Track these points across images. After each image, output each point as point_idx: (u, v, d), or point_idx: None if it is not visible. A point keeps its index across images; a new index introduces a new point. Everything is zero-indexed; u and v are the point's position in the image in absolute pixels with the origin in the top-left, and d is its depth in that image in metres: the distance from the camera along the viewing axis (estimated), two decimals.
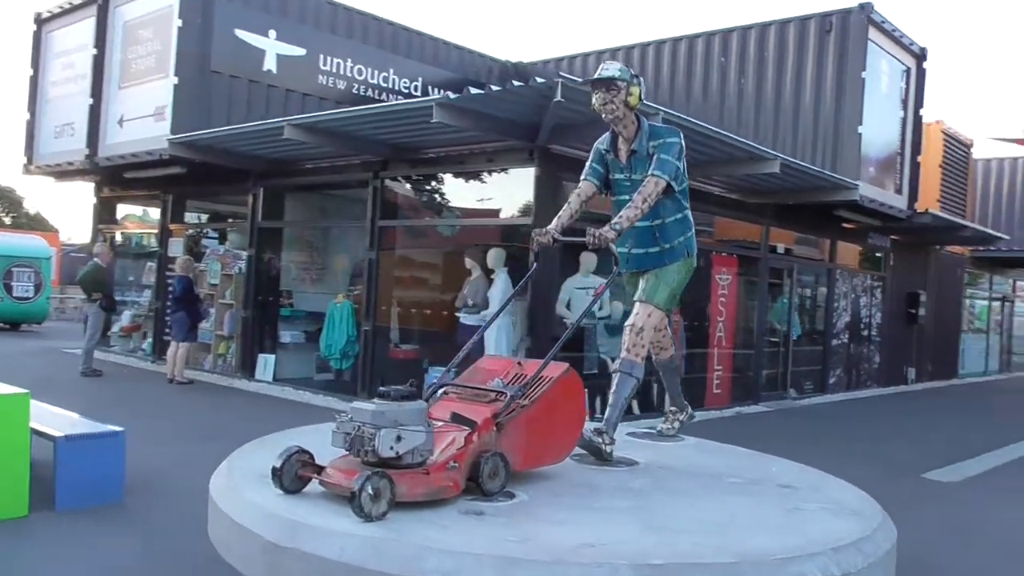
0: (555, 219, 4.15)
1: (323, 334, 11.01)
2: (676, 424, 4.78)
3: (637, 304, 4.21)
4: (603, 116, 4.11)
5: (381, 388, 3.15)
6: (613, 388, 4.11)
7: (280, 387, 11.09)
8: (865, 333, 15.37)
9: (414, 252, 11.33)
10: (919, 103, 13.36)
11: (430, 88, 13.63)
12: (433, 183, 10.15)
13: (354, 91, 12.63)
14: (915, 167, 13.36)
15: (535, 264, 4.19)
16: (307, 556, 2.57)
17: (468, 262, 9.72)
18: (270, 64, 11.57)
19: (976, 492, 7.09)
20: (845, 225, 13.64)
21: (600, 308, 9.87)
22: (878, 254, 15.71)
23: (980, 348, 20.92)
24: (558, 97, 6.78)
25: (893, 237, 15.39)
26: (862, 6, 11.63)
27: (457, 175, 9.87)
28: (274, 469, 3.02)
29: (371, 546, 2.54)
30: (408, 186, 10.36)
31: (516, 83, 7.27)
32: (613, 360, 9.69)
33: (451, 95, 7.45)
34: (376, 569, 2.48)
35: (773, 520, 3.05)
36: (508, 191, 9.21)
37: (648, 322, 4.14)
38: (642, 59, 13.80)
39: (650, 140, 4.09)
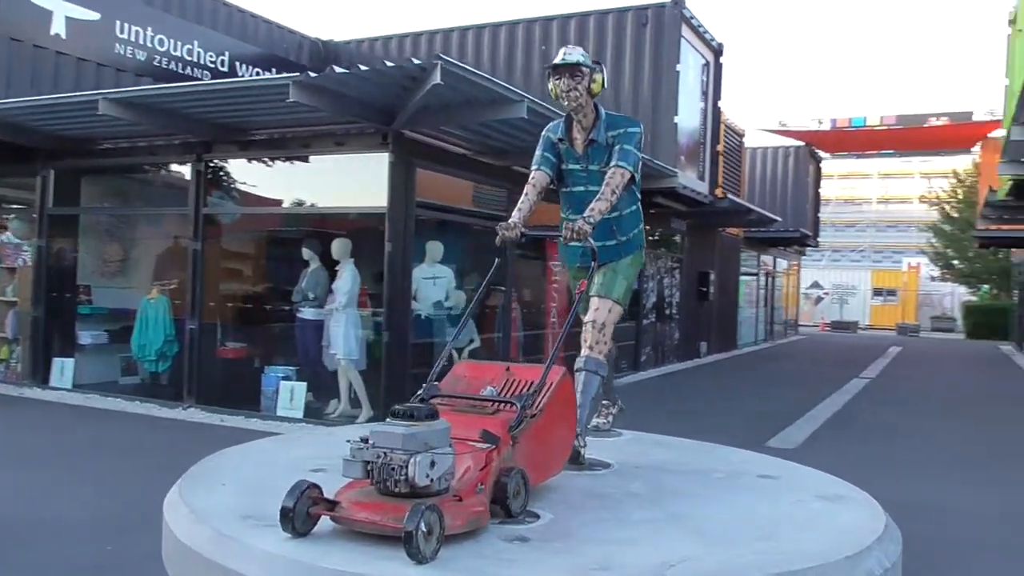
0: (515, 212, 3.91)
1: (135, 333, 9.89)
2: (610, 418, 4.73)
3: (596, 300, 4.08)
4: (564, 104, 3.92)
5: (397, 407, 2.79)
6: (580, 388, 3.96)
7: (83, 394, 9.87)
8: (667, 312, 16.36)
9: (245, 242, 10.46)
10: (717, 95, 14.32)
11: (237, 64, 12.63)
12: (269, 167, 9.38)
13: (155, 63, 11.40)
14: (715, 155, 14.34)
15: (497, 260, 3.94)
16: None
17: (306, 252, 9.11)
18: (58, 27, 10.12)
19: (818, 455, 7.73)
20: (652, 211, 14.40)
21: (447, 299, 9.69)
22: (676, 237, 16.74)
23: (751, 320, 23.06)
24: (437, 80, 6.47)
25: (688, 221, 16.48)
26: (675, 1, 12.24)
27: (298, 159, 9.19)
28: (285, 510, 2.58)
29: None
30: (239, 170, 9.50)
31: (388, 63, 6.86)
32: (460, 352, 9.73)
33: (312, 74, 6.89)
34: None
35: (797, 517, 3.06)
36: (357, 177, 8.71)
37: (609, 318, 4.03)
38: (461, 44, 13.64)
39: (608, 130, 3.97)
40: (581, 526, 2.87)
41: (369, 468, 2.63)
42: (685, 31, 12.65)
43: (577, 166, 4.04)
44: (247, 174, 9.55)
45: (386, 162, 8.20)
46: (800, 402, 11.28)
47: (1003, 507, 6.38)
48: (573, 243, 3.71)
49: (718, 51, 14.14)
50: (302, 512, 2.58)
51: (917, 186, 40.47)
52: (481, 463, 2.85)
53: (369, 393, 8.45)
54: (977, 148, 24.78)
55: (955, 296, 37.76)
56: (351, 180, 8.80)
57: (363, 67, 6.83)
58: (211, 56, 12.28)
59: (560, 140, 4.06)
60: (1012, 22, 12.46)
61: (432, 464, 2.61)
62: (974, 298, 33.37)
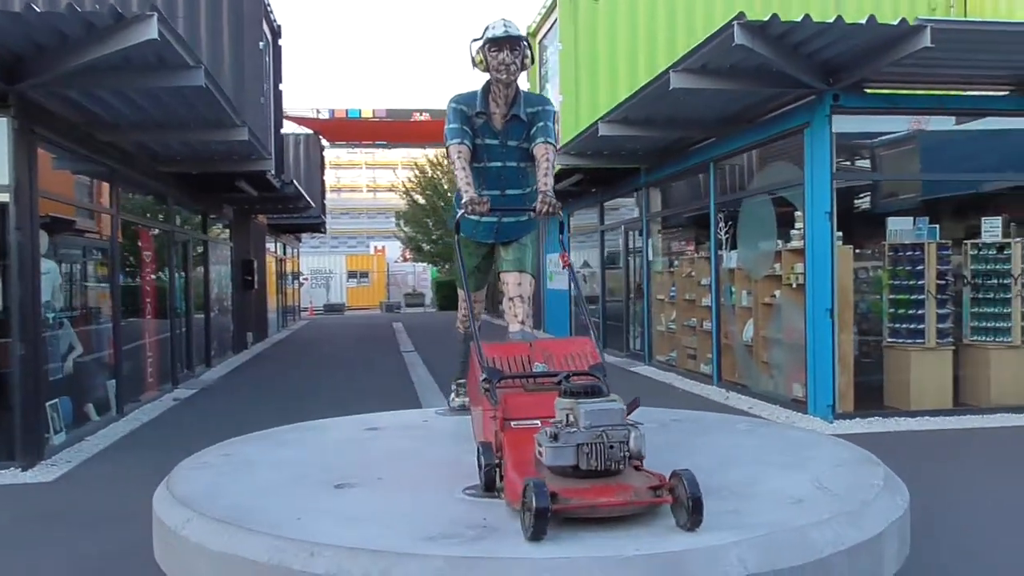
0: (468, 187, 3.75)
1: None
2: (466, 398, 4.75)
3: (516, 274, 4.11)
4: (504, 78, 3.86)
5: (573, 385, 2.64)
6: None
7: None
8: (227, 304, 15.55)
9: None
10: (278, 78, 14.05)
11: None
12: None
13: None
14: (280, 138, 14.07)
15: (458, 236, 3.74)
16: None
17: None
18: None
19: None
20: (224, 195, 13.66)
21: (52, 297, 8.06)
22: (226, 224, 15.95)
23: (275, 307, 23.06)
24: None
25: (235, 208, 15.84)
26: None
27: None
28: (543, 511, 2.29)
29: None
30: None
31: None
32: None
33: None
34: None
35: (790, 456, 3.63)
36: None
37: (530, 290, 4.11)
38: None
39: (527, 106, 4.03)
40: None
41: (585, 450, 2.48)
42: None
43: (495, 141, 4.01)
44: None
45: (5, 129, 6.52)
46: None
47: None
48: (541, 217, 3.74)
49: (277, 32, 13.87)
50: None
51: (400, 176, 44.18)
52: None
53: None
54: None
55: (416, 275, 42.51)
56: None
57: None
58: None
59: (479, 114, 3.98)
60: (531, 33, 14.77)
61: (641, 434, 2.58)
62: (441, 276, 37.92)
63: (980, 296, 8.23)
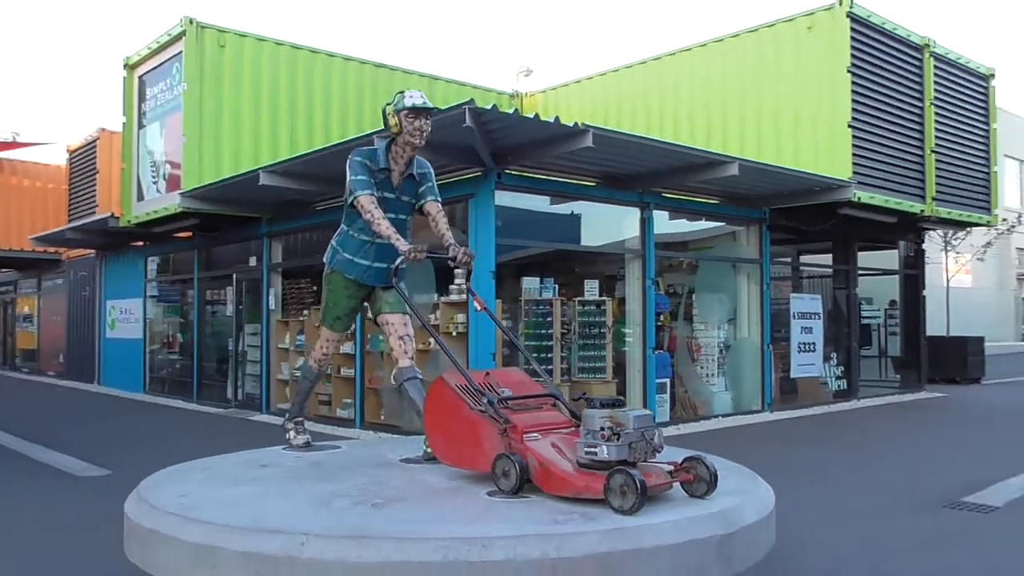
0: (397, 234, 4.16)
1: None
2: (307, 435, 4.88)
3: (400, 315, 4.56)
4: (417, 143, 4.34)
5: (598, 399, 3.38)
6: (415, 396, 4.40)
7: None
8: None
9: None
10: None
11: None
12: None
13: None
14: None
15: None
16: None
17: None
18: None
19: None
20: None
21: None
22: None
23: None
24: None
25: None
26: None
27: None
28: (644, 490, 3.01)
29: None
30: None
31: None
32: None
33: None
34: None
35: None
36: None
37: (411, 329, 4.60)
38: None
39: (416, 167, 4.57)
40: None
41: (632, 444, 3.29)
42: None
43: (392, 195, 4.51)
44: None
45: None
46: None
47: None
48: (462, 267, 4.31)
49: None
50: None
51: None
52: None
53: None
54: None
55: None
56: None
57: None
58: None
59: (381, 170, 4.42)
60: (128, 66, 13.87)
61: (662, 433, 3.46)
62: None
63: (584, 342, 10.41)
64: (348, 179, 4.41)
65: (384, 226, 4.23)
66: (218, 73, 12.48)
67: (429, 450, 4.26)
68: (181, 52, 12.42)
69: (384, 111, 4.42)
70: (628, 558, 2.77)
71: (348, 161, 4.44)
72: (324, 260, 4.76)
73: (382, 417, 10.62)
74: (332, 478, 3.86)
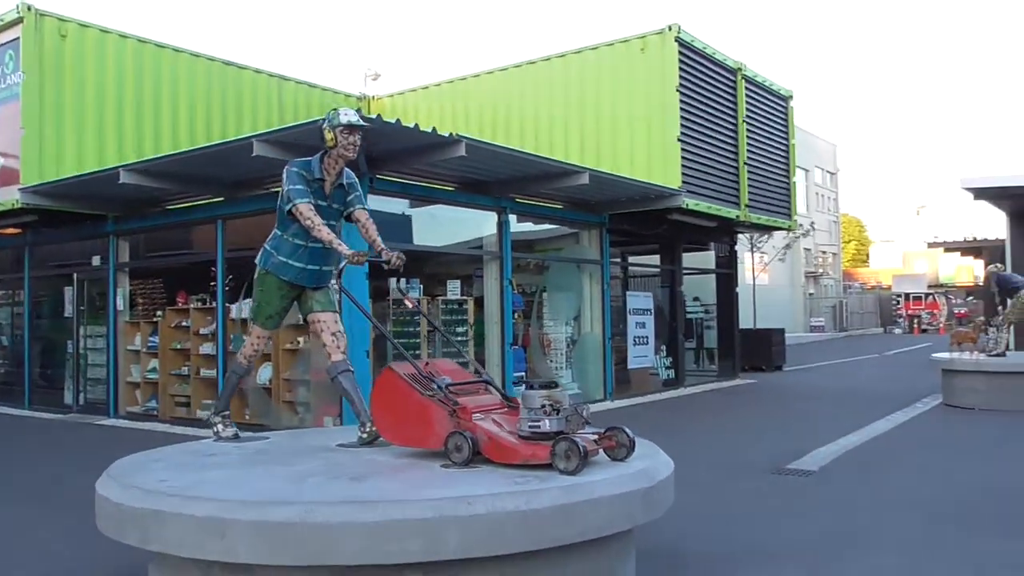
0: (338, 239, 4.57)
1: None
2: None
3: (331, 314, 4.97)
4: (350, 155, 4.75)
5: (534, 381, 3.99)
6: (348, 387, 4.81)
7: None
8: None
9: None
10: None
11: None
12: None
13: None
14: None
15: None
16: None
17: None
18: None
19: None
20: None
21: None
22: None
23: None
24: None
25: None
26: None
27: None
28: (585, 455, 3.65)
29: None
30: None
31: None
32: None
33: None
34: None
35: None
36: None
37: (342, 327, 5.01)
38: None
39: (345, 177, 4.98)
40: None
41: (568, 418, 3.94)
42: None
43: (324, 203, 4.92)
44: None
45: None
46: None
47: None
48: (396, 268, 4.77)
49: None
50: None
51: None
52: None
53: None
54: None
55: None
56: None
57: None
58: None
59: (316, 180, 4.82)
60: None
61: (589, 408, 4.14)
62: None
63: (448, 339, 10.97)
64: (285, 188, 4.77)
65: (325, 232, 4.64)
66: (59, 64, 11.94)
67: (363, 435, 4.70)
68: (17, 39, 11.78)
69: (320, 126, 4.82)
70: (584, 507, 3.42)
71: (285, 171, 4.80)
72: (256, 262, 5.07)
73: (247, 416, 10.68)
74: (289, 462, 4.23)
